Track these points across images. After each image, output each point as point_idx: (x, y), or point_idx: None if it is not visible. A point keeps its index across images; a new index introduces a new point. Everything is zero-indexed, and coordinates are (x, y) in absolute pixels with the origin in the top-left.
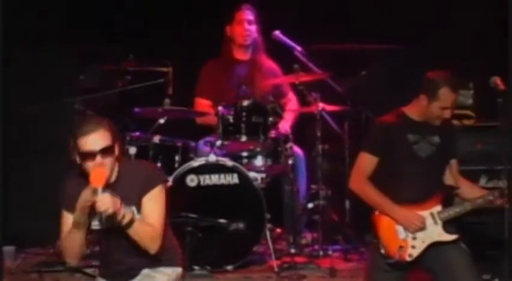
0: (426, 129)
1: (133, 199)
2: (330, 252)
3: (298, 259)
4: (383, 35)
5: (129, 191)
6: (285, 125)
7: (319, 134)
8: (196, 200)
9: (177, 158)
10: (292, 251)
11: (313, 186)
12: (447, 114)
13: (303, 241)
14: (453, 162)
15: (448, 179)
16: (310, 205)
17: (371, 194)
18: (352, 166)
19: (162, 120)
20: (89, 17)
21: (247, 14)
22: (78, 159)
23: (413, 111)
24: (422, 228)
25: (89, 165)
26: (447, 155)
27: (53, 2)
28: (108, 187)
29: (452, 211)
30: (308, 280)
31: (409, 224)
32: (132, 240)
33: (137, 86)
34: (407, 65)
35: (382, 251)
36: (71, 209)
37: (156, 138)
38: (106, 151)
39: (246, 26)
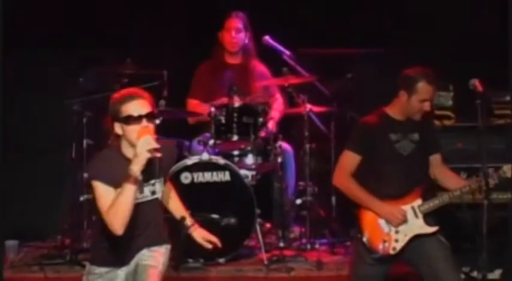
0: (407, 127)
1: (163, 171)
2: (317, 246)
3: (286, 252)
4: (368, 39)
5: (160, 163)
6: (273, 125)
7: (306, 133)
8: (189, 196)
9: None
10: (281, 244)
11: (301, 183)
12: (427, 106)
13: (291, 235)
14: (435, 157)
15: (433, 175)
16: (298, 201)
17: (354, 190)
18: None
19: (157, 121)
20: (88, 21)
21: (236, 22)
22: (119, 126)
23: (394, 110)
24: (404, 221)
25: (133, 129)
26: (427, 151)
27: (53, 7)
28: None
29: (432, 203)
30: (296, 272)
31: (391, 218)
32: (152, 218)
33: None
34: (391, 68)
35: (367, 245)
36: (109, 180)
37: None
38: (151, 116)
39: (233, 34)
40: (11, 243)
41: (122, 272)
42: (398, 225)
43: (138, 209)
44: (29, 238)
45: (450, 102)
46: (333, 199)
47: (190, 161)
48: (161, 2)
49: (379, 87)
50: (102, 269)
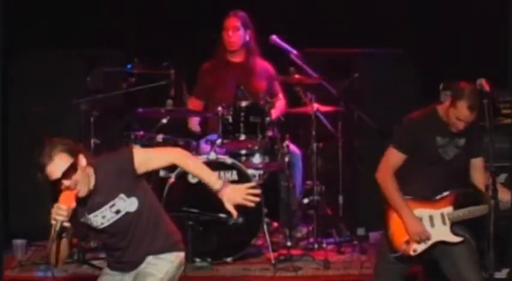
0: (454, 132)
1: (120, 187)
2: (324, 245)
3: (294, 252)
4: (375, 39)
5: (112, 183)
6: (276, 112)
7: (314, 133)
8: (197, 195)
9: None
10: (288, 244)
11: (308, 182)
12: (460, 125)
13: (299, 235)
14: (476, 160)
15: (471, 177)
16: (306, 200)
17: (392, 191)
18: (344, 164)
19: (164, 120)
20: (96, 21)
21: (233, 21)
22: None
23: (444, 110)
24: (422, 241)
25: (62, 189)
26: (470, 155)
27: (61, 7)
28: (92, 193)
29: (462, 213)
30: (303, 271)
31: (413, 234)
32: (133, 231)
33: (141, 88)
34: (399, 67)
35: (389, 242)
36: None
37: (159, 137)
38: (68, 172)
39: (230, 33)
40: (19, 242)
41: (129, 278)
42: (415, 242)
43: (110, 229)
44: (37, 237)
45: None
46: (340, 198)
47: None
48: (170, 1)
49: (386, 87)
50: (113, 272)
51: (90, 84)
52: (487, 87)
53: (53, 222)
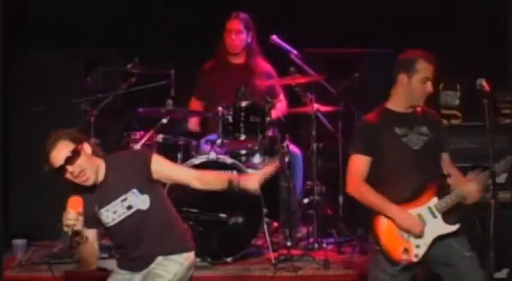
0: (412, 120)
1: (133, 182)
2: (324, 245)
3: (294, 252)
4: (375, 38)
5: (126, 178)
6: (277, 112)
7: (314, 133)
8: (197, 195)
9: (179, 155)
10: (288, 244)
11: (308, 182)
12: (429, 87)
13: (299, 235)
14: (444, 155)
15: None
16: (306, 200)
17: (369, 196)
18: (345, 163)
19: (164, 120)
20: (96, 20)
21: (235, 24)
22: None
23: (395, 102)
24: (422, 227)
25: (67, 177)
26: (438, 146)
27: (61, 7)
28: (103, 186)
29: (449, 200)
30: (303, 271)
31: (410, 224)
32: (144, 229)
33: (141, 88)
34: None
35: (387, 257)
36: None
37: (159, 137)
38: (71, 158)
39: (233, 36)
40: (19, 242)
41: (139, 276)
42: (418, 233)
43: (121, 226)
44: (37, 237)
45: (457, 102)
46: (340, 198)
47: (197, 160)
48: (170, 0)
49: (386, 87)
50: (123, 271)
51: (90, 84)
52: (487, 87)
53: (65, 229)
